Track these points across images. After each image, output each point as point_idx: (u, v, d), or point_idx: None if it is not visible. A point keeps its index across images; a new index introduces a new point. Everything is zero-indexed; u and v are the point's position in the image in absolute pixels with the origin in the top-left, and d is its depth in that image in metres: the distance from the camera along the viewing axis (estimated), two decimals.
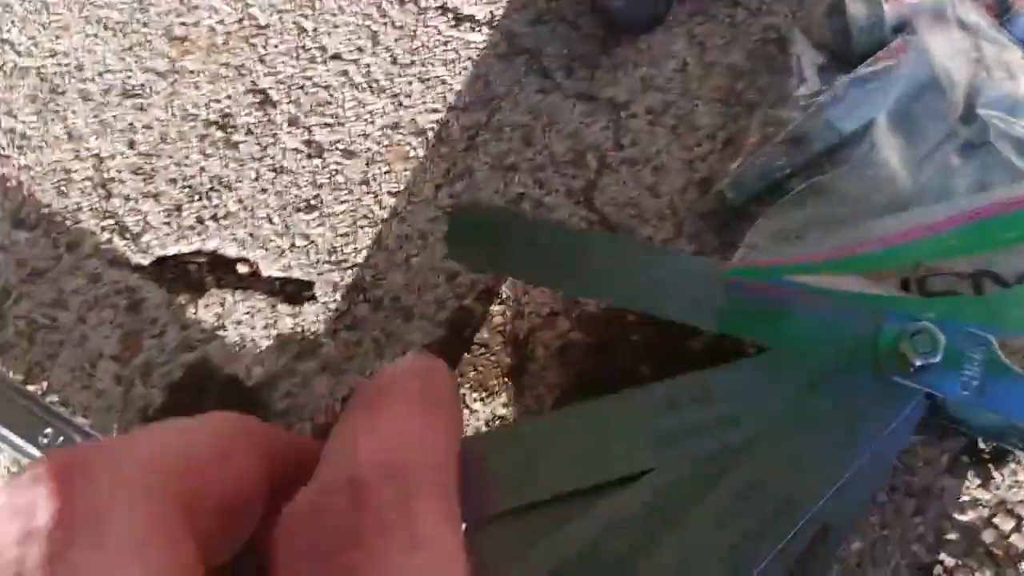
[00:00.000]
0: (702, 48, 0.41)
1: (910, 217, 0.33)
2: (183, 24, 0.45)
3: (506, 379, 0.34)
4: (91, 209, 0.40)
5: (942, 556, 0.30)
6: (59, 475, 0.18)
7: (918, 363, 0.30)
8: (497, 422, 0.34)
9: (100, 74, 0.44)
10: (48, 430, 0.34)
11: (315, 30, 0.43)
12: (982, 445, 0.31)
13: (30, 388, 0.36)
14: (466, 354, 0.35)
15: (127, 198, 0.40)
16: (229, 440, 0.22)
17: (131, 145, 0.42)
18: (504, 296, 0.36)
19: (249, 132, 0.41)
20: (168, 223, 0.39)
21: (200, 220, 0.39)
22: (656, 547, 0.27)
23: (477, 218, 0.35)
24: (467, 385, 0.34)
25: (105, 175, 0.41)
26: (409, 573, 0.17)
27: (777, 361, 0.31)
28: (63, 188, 0.41)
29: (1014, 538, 0.30)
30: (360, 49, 0.42)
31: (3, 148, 0.43)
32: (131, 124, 0.42)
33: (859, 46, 0.37)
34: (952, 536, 0.30)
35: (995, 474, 0.31)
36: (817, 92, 0.37)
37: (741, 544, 0.28)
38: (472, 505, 0.26)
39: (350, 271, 0.37)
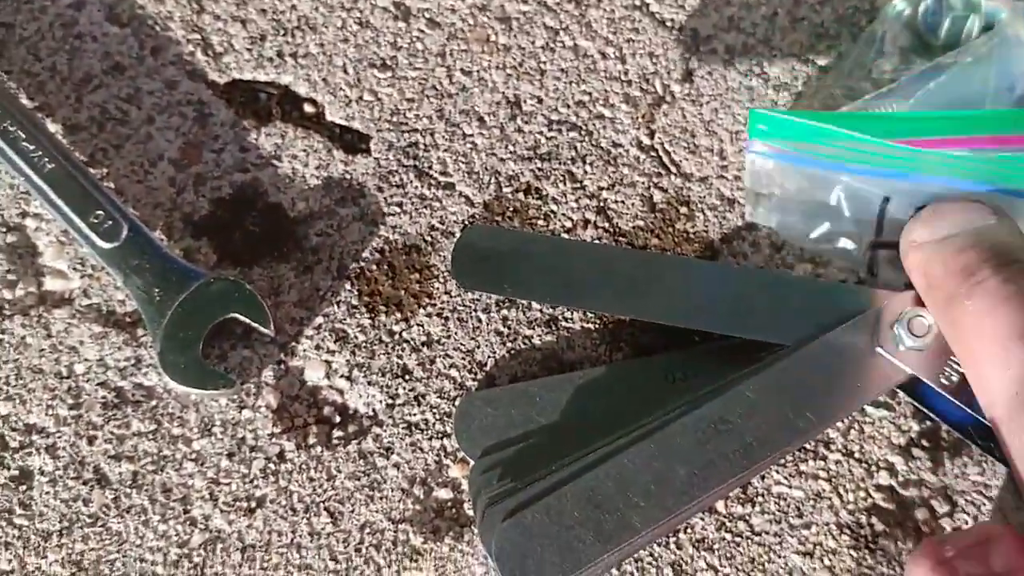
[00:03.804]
0: (796, 2, 0.41)
1: None
2: None
3: None
4: (182, 20, 0.42)
5: (873, 520, 0.32)
6: None
7: (908, 343, 0.31)
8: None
9: None
10: (100, 212, 0.36)
11: None
12: (943, 433, 0.33)
13: (92, 171, 0.38)
14: None
15: (217, 17, 0.42)
16: None
17: None
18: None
19: None
20: (250, 49, 0.41)
21: (280, 54, 0.41)
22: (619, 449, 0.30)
23: (485, 239, 0.36)
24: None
25: None
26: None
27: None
28: None
29: (944, 520, 0.32)
30: None
31: None
32: None
33: (947, 35, 0.37)
34: (888, 506, 0.32)
35: (947, 463, 0.32)
36: (894, 70, 0.37)
37: (699, 471, 0.29)
38: None
39: (407, 135, 0.39)
